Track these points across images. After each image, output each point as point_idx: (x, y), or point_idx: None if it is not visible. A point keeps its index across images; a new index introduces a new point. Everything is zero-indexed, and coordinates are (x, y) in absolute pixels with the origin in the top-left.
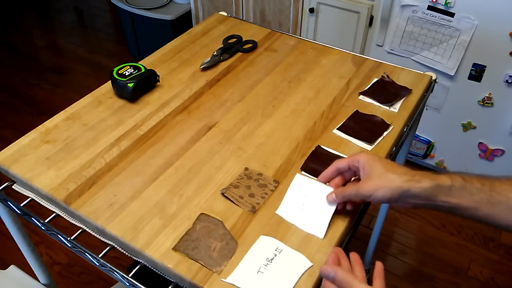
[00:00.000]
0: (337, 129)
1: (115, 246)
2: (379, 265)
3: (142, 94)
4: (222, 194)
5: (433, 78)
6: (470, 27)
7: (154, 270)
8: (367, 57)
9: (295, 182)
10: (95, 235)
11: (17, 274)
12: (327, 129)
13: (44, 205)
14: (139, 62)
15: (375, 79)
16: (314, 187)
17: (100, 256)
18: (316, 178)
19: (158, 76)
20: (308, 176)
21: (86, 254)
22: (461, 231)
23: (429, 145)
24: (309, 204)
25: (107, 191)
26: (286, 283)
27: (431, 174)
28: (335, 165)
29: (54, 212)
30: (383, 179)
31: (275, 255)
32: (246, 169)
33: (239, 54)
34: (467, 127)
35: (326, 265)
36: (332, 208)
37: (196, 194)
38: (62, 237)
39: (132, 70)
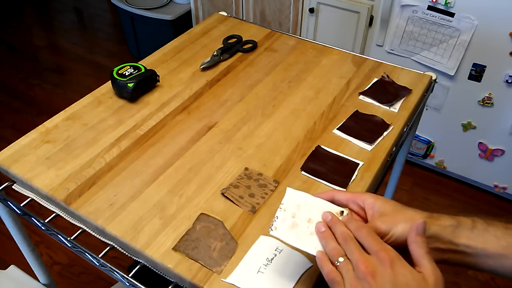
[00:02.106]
0: (337, 129)
1: (115, 246)
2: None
3: (142, 94)
4: (222, 194)
5: (433, 78)
6: (470, 27)
7: (154, 270)
8: (367, 57)
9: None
10: (95, 235)
11: (17, 274)
12: (327, 129)
13: (44, 205)
14: (139, 62)
15: (375, 79)
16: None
17: (100, 256)
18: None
19: (158, 76)
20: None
21: (86, 254)
22: None
23: (429, 145)
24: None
25: (107, 191)
26: (286, 283)
27: (450, 215)
28: (332, 194)
29: (54, 212)
30: (400, 215)
31: (275, 255)
32: (246, 169)
33: (239, 54)
34: (467, 127)
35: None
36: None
37: (196, 194)
38: (62, 237)
39: (132, 70)
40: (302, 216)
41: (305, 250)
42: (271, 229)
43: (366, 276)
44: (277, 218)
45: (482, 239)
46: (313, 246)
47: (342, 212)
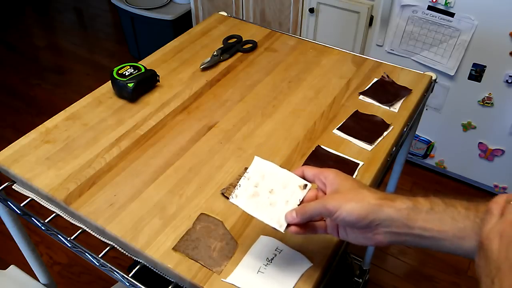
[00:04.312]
0: (337, 129)
1: (115, 246)
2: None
3: (142, 94)
4: (222, 194)
5: (433, 78)
6: (470, 27)
7: (154, 270)
8: (367, 57)
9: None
10: (95, 235)
11: (17, 274)
12: (327, 129)
13: (44, 205)
14: (139, 62)
15: (375, 79)
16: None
17: (100, 256)
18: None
19: (158, 76)
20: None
21: (86, 254)
22: None
23: (429, 145)
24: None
25: (107, 191)
26: (286, 283)
27: (408, 196)
28: (302, 169)
29: (54, 212)
30: (353, 193)
31: (275, 255)
32: (246, 169)
33: (239, 54)
34: (467, 127)
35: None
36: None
37: (196, 194)
38: (62, 237)
39: (132, 70)
40: (265, 186)
41: (261, 220)
42: (232, 197)
43: None
44: (239, 186)
45: (439, 222)
46: (270, 217)
47: (306, 185)
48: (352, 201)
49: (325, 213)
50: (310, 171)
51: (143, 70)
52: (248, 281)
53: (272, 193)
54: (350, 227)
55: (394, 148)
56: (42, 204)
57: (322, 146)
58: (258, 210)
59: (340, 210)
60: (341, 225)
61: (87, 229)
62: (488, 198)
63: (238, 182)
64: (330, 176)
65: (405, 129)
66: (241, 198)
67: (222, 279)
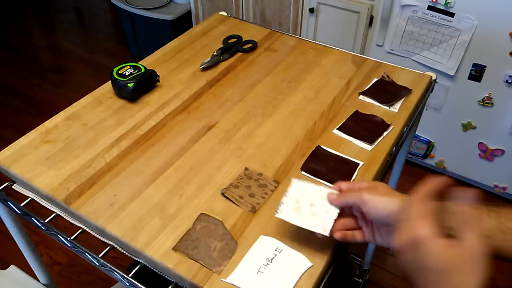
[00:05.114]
0: (337, 129)
1: (115, 246)
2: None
3: (142, 94)
4: (222, 194)
5: (433, 78)
6: (470, 27)
7: (154, 270)
8: (367, 57)
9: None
10: (95, 235)
11: (17, 274)
12: (327, 129)
13: (44, 205)
14: (139, 62)
15: (375, 79)
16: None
17: (100, 256)
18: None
19: (158, 76)
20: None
21: (86, 254)
22: None
23: (429, 145)
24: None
25: (107, 191)
26: (286, 283)
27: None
28: (338, 185)
29: (54, 212)
30: (388, 192)
31: (275, 255)
32: (246, 169)
33: (239, 54)
34: (467, 127)
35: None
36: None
37: (196, 194)
38: (62, 237)
39: (132, 70)
40: (306, 201)
41: (307, 228)
42: (277, 212)
43: None
44: (282, 204)
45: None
46: (314, 224)
47: None
48: (386, 196)
49: (358, 201)
50: (345, 184)
51: (143, 70)
52: (248, 281)
53: (312, 206)
54: (381, 223)
55: (394, 148)
56: (42, 204)
57: (322, 146)
58: (302, 220)
59: (372, 203)
60: (376, 227)
61: (87, 229)
62: (488, 198)
63: (281, 200)
64: (364, 183)
65: (405, 129)
66: (286, 213)
67: (222, 279)
